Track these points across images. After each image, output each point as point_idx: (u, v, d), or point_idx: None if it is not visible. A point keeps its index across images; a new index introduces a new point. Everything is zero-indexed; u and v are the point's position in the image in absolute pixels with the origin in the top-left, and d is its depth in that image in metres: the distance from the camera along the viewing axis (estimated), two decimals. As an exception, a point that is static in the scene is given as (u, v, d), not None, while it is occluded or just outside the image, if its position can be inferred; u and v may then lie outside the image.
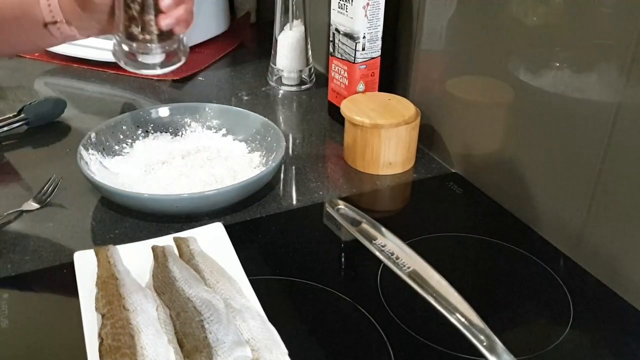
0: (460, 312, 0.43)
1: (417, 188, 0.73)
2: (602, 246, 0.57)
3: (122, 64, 0.62)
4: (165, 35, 0.60)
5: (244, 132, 0.76)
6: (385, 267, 0.54)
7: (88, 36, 0.65)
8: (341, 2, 0.78)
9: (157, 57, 0.61)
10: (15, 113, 0.81)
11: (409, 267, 0.47)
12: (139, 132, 0.76)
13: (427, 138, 0.79)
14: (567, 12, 0.57)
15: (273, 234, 0.63)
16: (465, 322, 0.42)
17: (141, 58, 0.61)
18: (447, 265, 0.51)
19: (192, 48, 1.07)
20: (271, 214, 0.66)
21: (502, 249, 0.61)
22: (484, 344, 0.41)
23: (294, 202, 0.69)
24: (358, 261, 0.60)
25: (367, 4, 0.76)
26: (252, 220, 0.65)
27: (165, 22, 0.59)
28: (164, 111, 0.78)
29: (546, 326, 0.52)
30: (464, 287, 0.49)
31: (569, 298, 0.55)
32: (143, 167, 0.71)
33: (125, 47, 0.60)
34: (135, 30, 0.59)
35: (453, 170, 0.76)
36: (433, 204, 0.70)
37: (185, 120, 0.78)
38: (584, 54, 0.56)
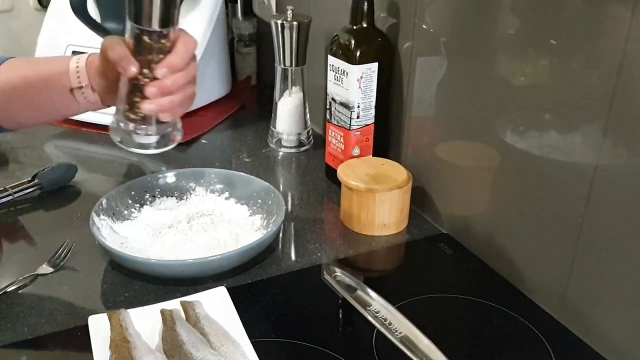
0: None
1: (410, 249, 0.78)
2: (585, 306, 0.61)
3: (116, 141, 0.64)
4: (154, 122, 0.62)
5: (246, 196, 0.81)
6: (380, 331, 0.58)
7: (108, 105, 0.69)
8: (337, 74, 0.83)
9: (151, 137, 0.64)
10: (30, 178, 0.86)
11: (400, 333, 0.50)
12: (147, 196, 0.81)
13: (419, 200, 0.84)
14: (552, 72, 0.62)
15: (273, 296, 0.67)
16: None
17: (136, 138, 0.64)
18: (436, 327, 0.55)
19: (196, 111, 1.14)
20: (272, 276, 0.70)
21: (489, 309, 0.65)
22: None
23: (294, 263, 0.73)
24: (355, 324, 0.63)
25: (361, 76, 0.81)
26: (253, 282, 0.69)
27: (147, 107, 0.61)
28: (170, 177, 0.82)
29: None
30: (452, 349, 0.53)
31: (549, 350, 0.58)
32: (151, 232, 0.75)
33: (122, 126, 0.63)
34: (131, 111, 0.62)
35: (444, 231, 0.80)
36: (425, 264, 0.75)
37: (190, 184, 0.83)
38: (568, 115, 0.60)
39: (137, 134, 0.63)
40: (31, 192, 0.85)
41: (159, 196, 0.81)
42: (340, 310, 0.65)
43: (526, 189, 0.66)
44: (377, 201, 0.77)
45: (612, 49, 0.54)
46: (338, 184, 0.83)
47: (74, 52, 1.10)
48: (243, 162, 0.99)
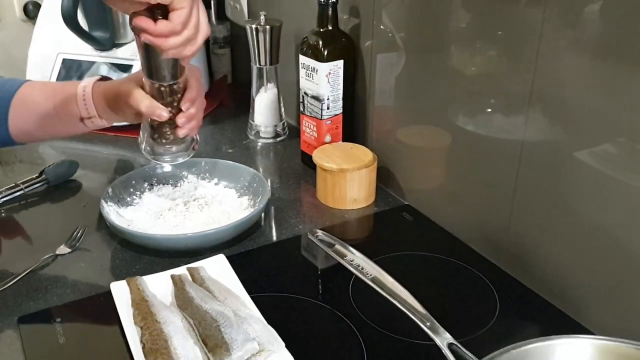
0: (410, 305, 0.59)
1: (378, 218, 0.90)
2: (523, 255, 0.74)
3: (153, 160, 0.79)
4: (181, 140, 0.77)
5: (234, 181, 0.92)
6: (355, 280, 0.71)
7: (112, 124, 0.82)
8: (308, 72, 0.95)
9: (180, 152, 0.79)
10: (37, 174, 0.96)
11: (371, 275, 0.62)
12: (145, 185, 0.91)
13: (384, 177, 0.97)
14: (498, 62, 0.73)
15: (264, 260, 0.79)
16: (414, 312, 0.58)
17: (170, 155, 0.78)
18: (400, 276, 0.67)
19: (180, 109, 1.24)
20: (261, 246, 0.82)
21: (445, 262, 0.78)
22: (427, 325, 0.57)
23: (279, 235, 0.85)
24: (333, 277, 0.76)
25: (329, 72, 0.93)
26: (246, 251, 0.81)
27: (182, 132, 0.75)
28: (166, 166, 0.93)
29: (479, 316, 0.68)
30: (414, 290, 0.65)
31: (495, 295, 0.71)
32: (152, 214, 0.86)
33: (156, 149, 0.77)
34: (163, 138, 0.76)
35: (406, 203, 0.93)
36: (390, 230, 0.87)
37: (183, 173, 0.94)
38: (508, 100, 0.73)
39: (172, 152, 0.78)
40: (39, 186, 0.95)
41: (156, 184, 0.92)
42: (320, 267, 0.78)
43: (472, 163, 0.79)
44: (348, 179, 0.89)
45: (529, 47, 0.67)
46: (313, 167, 0.95)
47: (65, 60, 1.20)
48: (226, 153, 1.10)
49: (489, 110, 0.77)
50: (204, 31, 0.66)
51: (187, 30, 0.64)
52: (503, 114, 0.74)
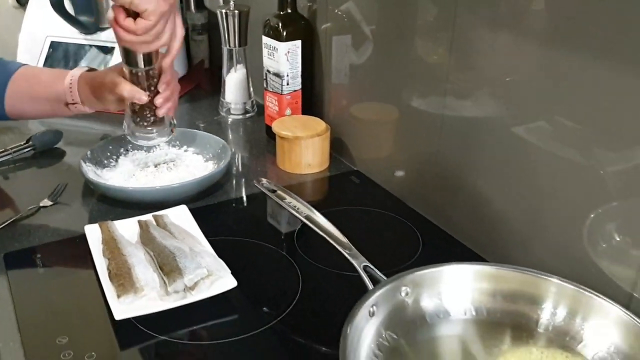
0: (335, 237, 0.69)
1: (329, 181, 1.01)
2: (444, 207, 0.85)
3: (137, 142, 0.91)
4: (159, 121, 0.89)
5: (200, 147, 1.02)
6: (301, 227, 0.81)
7: (94, 110, 0.94)
8: (269, 51, 1.06)
9: (161, 133, 0.91)
10: (25, 142, 1.06)
11: (305, 214, 0.73)
12: (121, 150, 1.02)
13: (338, 147, 1.07)
14: (453, 54, 0.80)
15: (222, 212, 0.90)
16: (338, 242, 0.68)
17: (150, 136, 0.90)
18: (342, 223, 0.76)
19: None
20: (222, 201, 0.92)
21: (382, 215, 0.89)
22: (347, 252, 0.67)
23: (239, 193, 0.96)
24: (281, 224, 0.87)
25: (288, 51, 1.04)
26: (207, 205, 0.91)
27: (161, 112, 0.87)
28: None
29: (403, 254, 0.78)
30: (351, 234, 0.74)
31: (420, 239, 0.82)
32: (126, 175, 0.96)
33: (138, 133, 0.90)
34: (144, 120, 0.88)
35: (355, 169, 1.04)
36: (339, 190, 0.98)
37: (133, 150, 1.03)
38: (459, 85, 0.80)
39: (153, 134, 0.90)
40: (26, 152, 1.05)
41: (131, 150, 1.02)
42: (269, 218, 0.89)
43: (415, 136, 0.89)
44: (302, 146, 1.00)
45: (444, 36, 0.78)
46: (275, 139, 1.05)
47: (52, 42, 1.30)
48: (199, 127, 1.20)
49: (439, 91, 0.86)
50: (178, 41, 0.81)
51: (146, 35, 0.76)
52: (453, 96, 0.81)
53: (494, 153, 0.75)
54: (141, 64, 0.82)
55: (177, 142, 1.04)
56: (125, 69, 0.84)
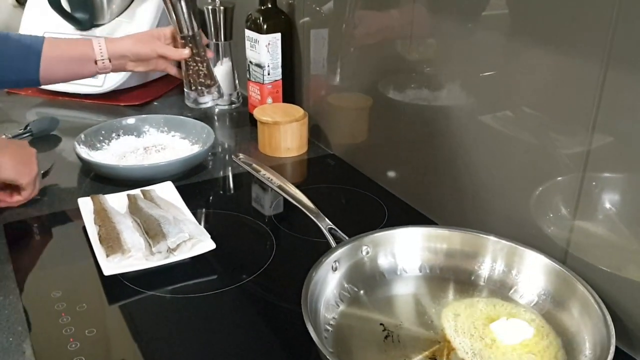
0: (304, 203, 0.76)
1: (307, 163, 1.09)
2: (408, 182, 0.92)
3: (193, 105, 1.25)
4: (213, 84, 1.18)
5: (186, 133, 1.10)
6: (278, 200, 0.89)
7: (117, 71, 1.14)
8: (252, 43, 1.14)
9: (215, 95, 1.21)
10: (23, 128, 1.13)
11: (277, 184, 0.80)
12: (113, 134, 1.09)
13: (316, 133, 1.15)
14: (437, 52, 0.85)
15: (206, 190, 0.97)
16: (306, 207, 0.76)
17: (207, 97, 1.25)
18: (316, 198, 0.84)
19: (149, 82, 1.42)
20: (206, 180, 1.00)
21: (354, 192, 0.97)
22: (314, 215, 0.74)
23: (222, 174, 1.03)
24: (260, 199, 0.95)
25: (269, 43, 1.12)
26: (192, 183, 0.99)
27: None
28: (131, 120, 1.11)
29: (370, 223, 0.86)
30: (322, 207, 0.81)
31: (386, 211, 0.90)
32: (117, 157, 1.04)
33: (199, 96, 1.22)
34: (201, 85, 1.17)
35: (331, 152, 1.11)
36: (315, 171, 1.06)
37: (145, 127, 1.12)
38: (432, 79, 0.88)
39: (209, 94, 1.20)
40: (25, 137, 1.13)
41: (122, 134, 1.10)
42: (251, 194, 0.97)
43: (386, 123, 0.97)
44: (282, 131, 1.07)
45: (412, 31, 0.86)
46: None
47: (49, 38, 1.37)
48: (185, 115, 1.28)
49: (410, 82, 0.93)
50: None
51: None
52: (427, 88, 0.87)
53: (461, 138, 0.82)
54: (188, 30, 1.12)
55: (165, 128, 1.12)
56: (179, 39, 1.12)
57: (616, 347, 0.55)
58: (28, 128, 1.14)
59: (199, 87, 1.17)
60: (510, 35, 0.72)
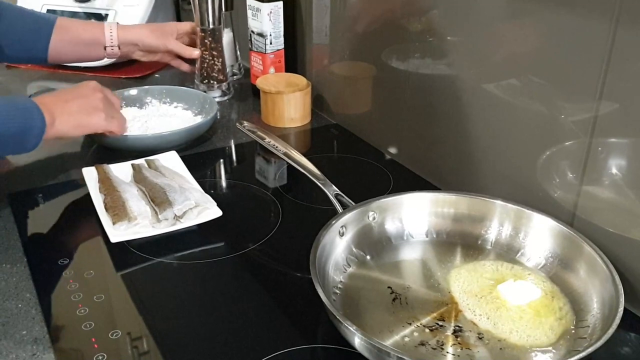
0: (310, 170, 0.76)
1: (311, 133, 1.08)
2: (412, 150, 0.92)
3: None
4: (223, 79, 1.19)
5: (189, 103, 1.09)
6: (282, 168, 0.89)
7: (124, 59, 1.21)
8: (253, 12, 1.13)
9: (218, 90, 1.20)
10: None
11: (283, 151, 0.80)
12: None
13: (319, 103, 1.14)
14: (440, 20, 0.84)
15: (210, 159, 0.97)
16: (312, 174, 0.75)
17: (217, 91, 1.20)
18: (322, 165, 0.83)
19: (150, 55, 1.41)
20: (210, 150, 1.00)
21: (358, 160, 0.97)
22: (321, 182, 0.74)
23: (226, 144, 1.03)
24: (264, 168, 0.94)
25: (270, 11, 1.11)
26: (196, 153, 0.98)
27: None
28: (133, 91, 1.10)
29: (376, 190, 0.85)
30: (328, 174, 0.81)
31: (391, 179, 0.90)
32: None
33: (209, 89, 1.18)
34: (212, 78, 1.18)
35: (334, 122, 1.11)
36: (319, 140, 1.05)
37: (148, 98, 1.11)
38: (435, 48, 0.88)
39: (219, 89, 1.20)
40: (26, 109, 1.12)
41: (124, 106, 1.09)
42: (256, 163, 0.97)
43: (389, 91, 0.96)
44: (285, 101, 1.07)
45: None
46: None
47: (48, 10, 1.36)
48: (189, 88, 1.27)
49: (414, 51, 0.92)
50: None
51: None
52: (430, 57, 0.86)
53: (465, 106, 0.81)
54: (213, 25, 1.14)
55: (168, 99, 1.11)
56: (199, 30, 1.15)
57: (625, 308, 0.56)
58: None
59: (211, 81, 1.18)
60: (515, 0, 0.71)
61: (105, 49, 1.11)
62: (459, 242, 0.72)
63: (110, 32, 1.10)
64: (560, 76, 0.68)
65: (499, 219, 0.70)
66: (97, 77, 1.31)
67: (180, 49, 1.15)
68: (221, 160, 0.98)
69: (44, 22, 1.06)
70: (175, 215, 0.76)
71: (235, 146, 1.02)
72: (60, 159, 0.96)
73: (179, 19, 1.55)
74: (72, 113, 0.86)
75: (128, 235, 0.74)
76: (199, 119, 1.06)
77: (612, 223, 0.65)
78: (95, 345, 0.59)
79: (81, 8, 1.35)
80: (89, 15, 1.35)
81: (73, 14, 1.35)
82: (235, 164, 0.99)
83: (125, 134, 0.96)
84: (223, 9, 1.16)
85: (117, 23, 1.12)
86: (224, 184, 0.90)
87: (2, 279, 0.69)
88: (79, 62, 1.27)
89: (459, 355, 0.57)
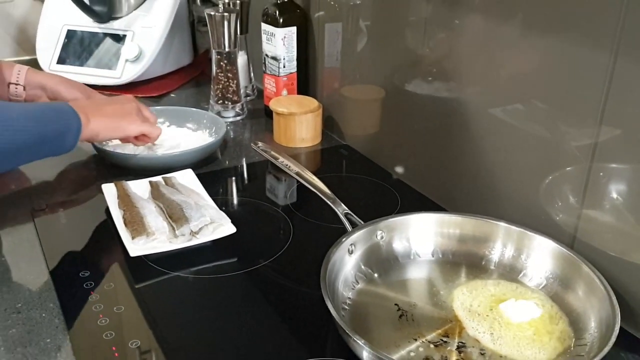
0: (321, 189, 0.80)
1: (321, 153, 1.12)
2: (420, 171, 0.95)
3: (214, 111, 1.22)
4: (237, 101, 1.23)
5: (198, 124, 1.13)
6: (294, 187, 0.92)
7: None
8: (268, 36, 1.17)
9: (232, 111, 1.24)
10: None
11: (295, 170, 0.84)
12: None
13: (330, 124, 1.18)
14: (445, 44, 0.89)
15: (224, 177, 1.01)
16: (323, 193, 0.79)
17: (231, 112, 1.24)
18: (333, 185, 0.87)
19: (166, 74, 1.46)
20: (223, 168, 1.03)
21: (366, 180, 1.00)
22: (331, 200, 0.77)
23: (239, 163, 1.07)
24: (275, 187, 0.98)
25: (284, 36, 1.15)
26: (210, 172, 1.02)
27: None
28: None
29: (383, 210, 0.88)
30: (337, 193, 0.85)
31: (399, 199, 0.93)
32: (133, 147, 1.06)
33: (224, 110, 1.23)
34: (227, 100, 1.22)
35: (344, 143, 1.15)
36: (329, 160, 1.09)
37: (161, 118, 1.14)
38: (443, 72, 0.92)
39: (233, 109, 1.24)
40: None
41: (142, 124, 1.13)
42: (266, 182, 1.00)
43: (395, 113, 1.00)
44: (297, 121, 1.10)
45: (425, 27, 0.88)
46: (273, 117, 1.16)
47: (69, 31, 1.41)
48: (203, 108, 1.31)
49: (422, 75, 0.96)
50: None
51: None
52: (439, 81, 0.90)
53: (472, 130, 0.85)
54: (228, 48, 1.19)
55: (180, 120, 1.15)
56: (215, 59, 1.20)
57: (622, 328, 0.58)
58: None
59: (226, 102, 1.23)
60: (521, 29, 0.74)
61: (9, 86, 1.03)
62: (464, 262, 0.75)
63: (19, 73, 1.04)
64: (563, 102, 0.71)
65: (503, 241, 0.73)
66: (113, 96, 1.35)
67: None
68: (234, 178, 1.02)
69: None
70: (192, 231, 0.80)
71: (247, 165, 1.06)
72: (78, 177, 1.00)
73: (194, 42, 1.60)
74: (106, 115, 0.92)
75: (146, 249, 0.77)
76: (209, 139, 1.10)
77: (612, 246, 0.68)
78: (116, 354, 0.63)
79: (101, 29, 1.40)
80: (108, 36, 1.39)
81: (93, 35, 1.40)
82: (247, 182, 1.03)
83: (136, 153, 1.00)
84: (238, 33, 1.20)
85: (29, 67, 1.06)
86: (236, 201, 0.93)
87: (26, 290, 0.73)
88: None
89: (462, 370, 0.60)
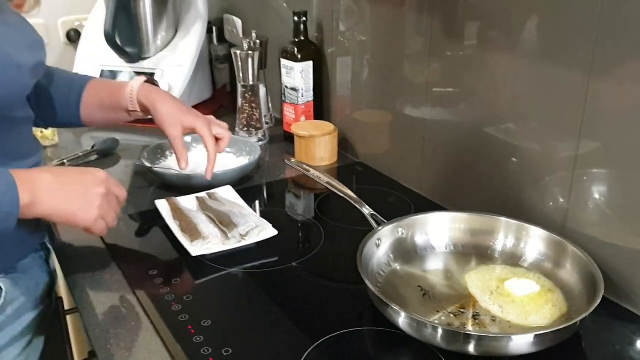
0: (349, 195, 0.94)
1: (338, 170, 1.27)
2: (428, 182, 1.10)
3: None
4: (260, 128, 1.37)
5: (235, 148, 1.28)
6: (320, 198, 1.07)
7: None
8: (287, 70, 1.32)
9: (255, 137, 1.38)
10: (90, 148, 1.31)
11: (326, 181, 0.98)
12: (167, 152, 1.26)
13: (345, 145, 1.33)
14: (442, 72, 1.06)
15: (258, 193, 1.15)
16: (351, 198, 0.93)
17: (255, 138, 1.38)
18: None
19: (197, 104, 1.60)
20: (256, 185, 1.18)
21: (380, 191, 1.15)
22: (358, 204, 0.92)
23: (269, 180, 1.21)
24: (303, 199, 1.12)
25: (302, 70, 1.30)
26: (245, 188, 1.16)
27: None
28: (187, 138, 1.29)
29: (399, 214, 1.03)
30: (362, 198, 1.00)
31: (412, 206, 1.07)
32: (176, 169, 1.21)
33: (250, 137, 1.38)
34: (252, 127, 1.37)
35: (358, 160, 1.30)
36: (346, 176, 1.24)
37: (194, 144, 1.29)
38: (442, 98, 1.10)
39: (256, 135, 1.39)
40: (92, 155, 1.30)
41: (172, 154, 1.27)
42: (297, 196, 1.14)
43: (405, 134, 1.16)
44: (316, 143, 1.25)
45: (426, 58, 1.05)
46: (292, 141, 1.31)
47: (103, 70, 1.56)
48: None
49: (423, 101, 1.12)
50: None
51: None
52: (439, 106, 1.06)
53: (471, 145, 1.00)
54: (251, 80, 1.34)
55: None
56: (240, 92, 1.35)
57: (605, 298, 0.73)
58: (94, 147, 1.32)
59: (250, 129, 1.38)
60: (511, 57, 0.90)
61: (129, 113, 1.06)
62: (473, 252, 0.89)
63: (131, 96, 1.04)
64: (548, 119, 0.87)
65: (504, 233, 0.88)
66: (146, 128, 1.50)
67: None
68: (266, 193, 1.16)
69: (76, 85, 1.04)
70: (241, 234, 0.93)
71: (276, 182, 1.21)
72: (130, 196, 1.14)
73: (213, 78, 1.76)
74: (60, 197, 0.77)
75: (204, 250, 0.91)
76: (242, 160, 1.24)
77: (594, 232, 0.83)
78: (192, 330, 0.76)
79: (132, 68, 1.55)
80: (139, 75, 1.54)
81: (125, 74, 1.55)
82: (277, 195, 1.17)
83: (184, 172, 1.14)
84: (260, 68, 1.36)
85: (142, 81, 1.06)
86: (271, 211, 1.08)
87: (106, 287, 0.86)
88: (109, 126, 1.27)
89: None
